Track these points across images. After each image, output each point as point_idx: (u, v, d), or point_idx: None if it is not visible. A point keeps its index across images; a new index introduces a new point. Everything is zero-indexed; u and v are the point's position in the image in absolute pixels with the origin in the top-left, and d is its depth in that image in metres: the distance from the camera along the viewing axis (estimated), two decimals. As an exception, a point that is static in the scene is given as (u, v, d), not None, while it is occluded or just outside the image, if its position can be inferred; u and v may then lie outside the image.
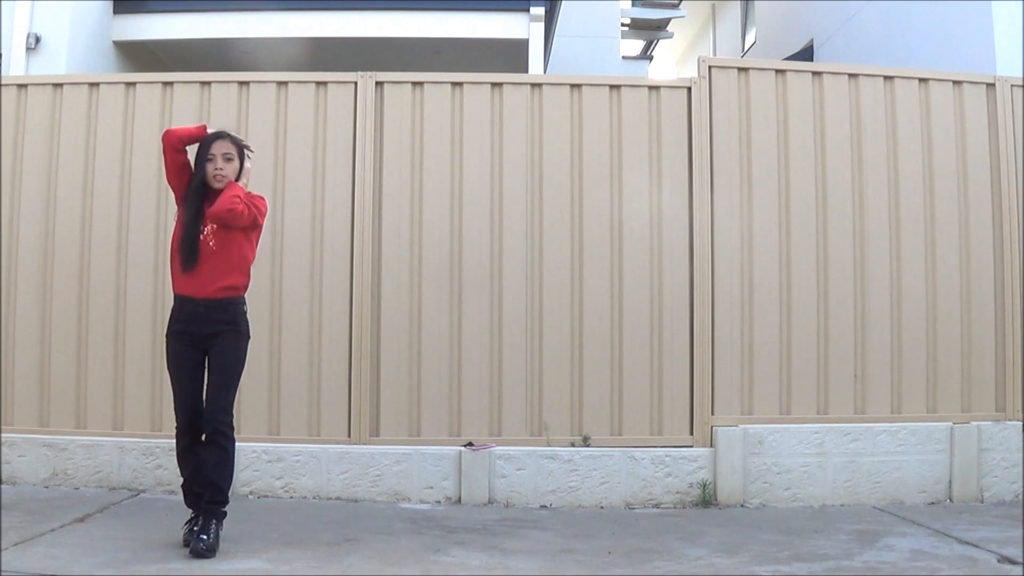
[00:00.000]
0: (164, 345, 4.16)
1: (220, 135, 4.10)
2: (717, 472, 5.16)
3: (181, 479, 4.08)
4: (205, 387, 4.02)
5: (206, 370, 4.03)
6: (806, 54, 11.45)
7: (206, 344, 4.00)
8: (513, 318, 5.28)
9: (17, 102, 5.40)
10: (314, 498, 5.09)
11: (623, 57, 15.08)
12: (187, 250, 3.97)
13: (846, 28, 10.58)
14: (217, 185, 4.01)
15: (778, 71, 5.53)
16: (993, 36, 7.24)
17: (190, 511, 4.05)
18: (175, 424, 4.03)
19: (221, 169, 4.01)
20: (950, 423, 5.31)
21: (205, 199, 4.03)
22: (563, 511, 5.00)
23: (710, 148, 5.37)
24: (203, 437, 3.97)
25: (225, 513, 3.97)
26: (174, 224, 4.13)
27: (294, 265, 5.27)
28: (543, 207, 5.35)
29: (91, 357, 5.23)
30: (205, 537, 3.83)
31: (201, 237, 3.98)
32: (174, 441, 4.07)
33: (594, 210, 5.35)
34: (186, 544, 3.91)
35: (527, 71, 8.23)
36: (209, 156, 4.03)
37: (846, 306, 5.35)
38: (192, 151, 4.10)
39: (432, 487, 5.12)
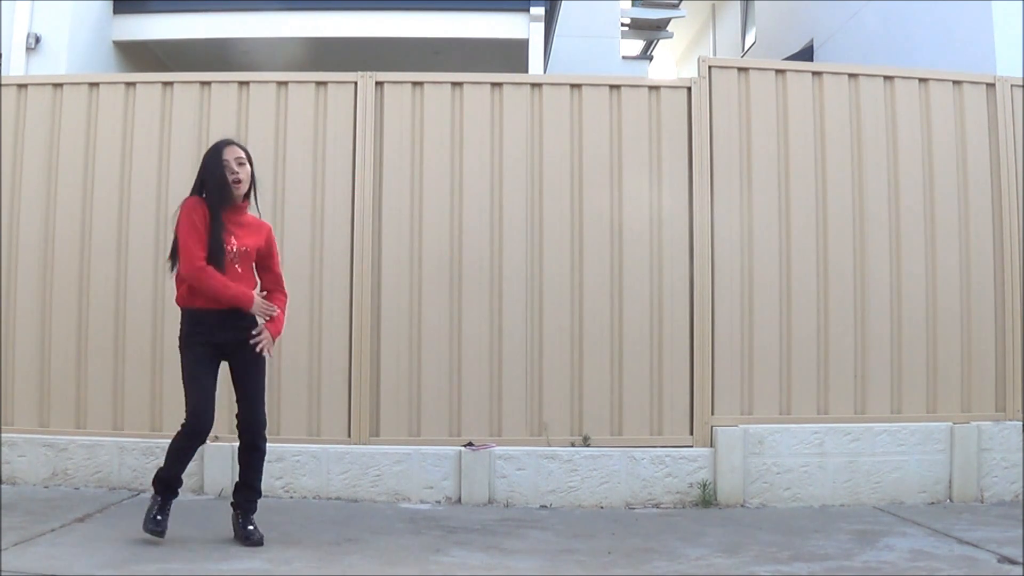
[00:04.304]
0: (179, 348, 4.08)
1: (228, 142, 4.11)
2: (717, 472, 5.16)
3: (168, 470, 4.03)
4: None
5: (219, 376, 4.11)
6: (806, 54, 11.46)
7: (228, 350, 4.06)
8: (513, 318, 5.28)
9: (17, 102, 5.40)
10: (314, 498, 5.09)
11: (623, 57, 15.08)
12: (217, 259, 3.95)
13: (846, 28, 10.58)
14: (236, 192, 4.01)
15: (778, 71, 5.53)
16: (993, 36, 7.24)
17: (159, 497, 4.00)
18: (188, 425, 3.97)
19: (237, 173, 4.00)
20: (950, 423, 5.31)
21: (223, 208, 4.01)
22: (563, 511, 5.00)
23: (710, 148, 5.37)
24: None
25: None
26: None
27: (294, 265, 5.25)
28: (543, 207, 5.35)
29: (91, 357, 5.23)
30: (253, 528, 4.04)
31: (228, 249, 3.99)
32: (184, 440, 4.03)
33: (594, 210, 5.35)
34: (147, 529, 3.91)
35: (527, 71, 8.23)
36: (223, 162, 4.00)
37: (846, 306, 5.35)
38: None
39: (432, 487, 5.12)
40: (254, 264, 4.14)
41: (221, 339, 4.00)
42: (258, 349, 4.02)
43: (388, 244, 5.31)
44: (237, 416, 4.09)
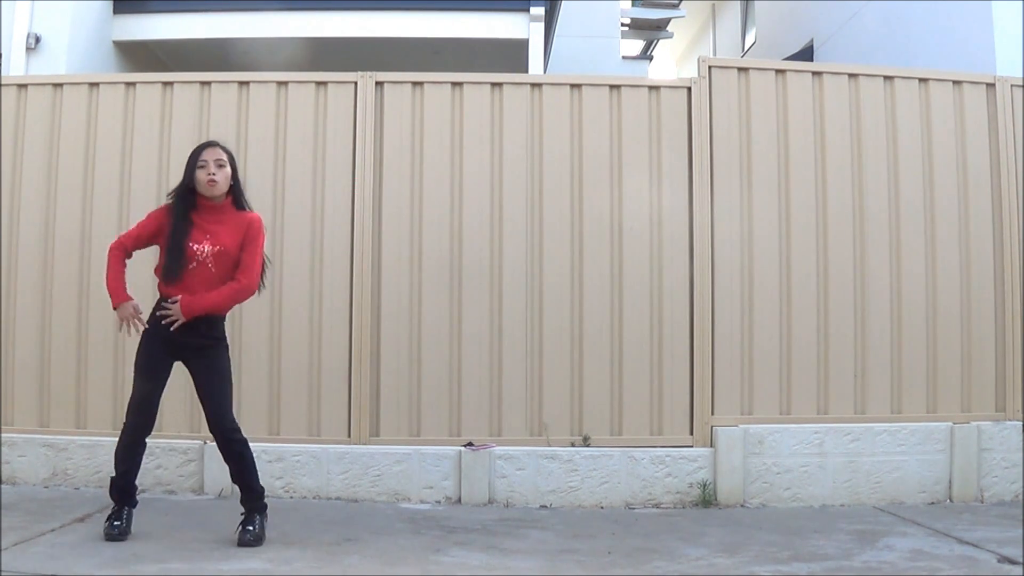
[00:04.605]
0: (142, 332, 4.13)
1: (210, 143, 4.12)
2: (717, 472, 5.16)
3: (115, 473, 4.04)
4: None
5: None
6: (806, 54, 11.46)
7: (186, 354, 4.05)
8: (513, 318, 5.28)
9: (17, 102, 5.39)
10: (314, 498, 5.09)
11: (623, 57, 15.09)
12: (174, 260, 3.95)
13: (846, 28, 10.58)
14: (210, 191, 4.00)
15: (778, 71, 5.53)
16: (993, 36, 7.24)
17: (118, 507, 4.02)
18: (130, 419, 4.03)
19: (214, 175, 3.98)
20: (950, 423, 5.31)
21: (193, 208, 4.01)
22: (563, 511, 5.00)
23: (710, 148, 5.37)
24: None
25: (266, 506, 4.10)
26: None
27: (294, 265, 5.27)
28: (543, 207, 5.35)
29: (91, 357, 5.23)
30: (251, 528, 3.98)
31: (193, 248, 3.96)
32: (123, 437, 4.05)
33: (594, 210, 5.35)
34: (108, 538, 3.91)
35: (527, 71, 8.23)
36: (201, 163, 4.00)
37: (846, 306, 5.35)
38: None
39: (432, 487, 5.12)
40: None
41: (178, 339, 3.99)
42: (158, 314, 4.02)
43: (388, 244, 5.31)
44: (206, 420, 4.07)
